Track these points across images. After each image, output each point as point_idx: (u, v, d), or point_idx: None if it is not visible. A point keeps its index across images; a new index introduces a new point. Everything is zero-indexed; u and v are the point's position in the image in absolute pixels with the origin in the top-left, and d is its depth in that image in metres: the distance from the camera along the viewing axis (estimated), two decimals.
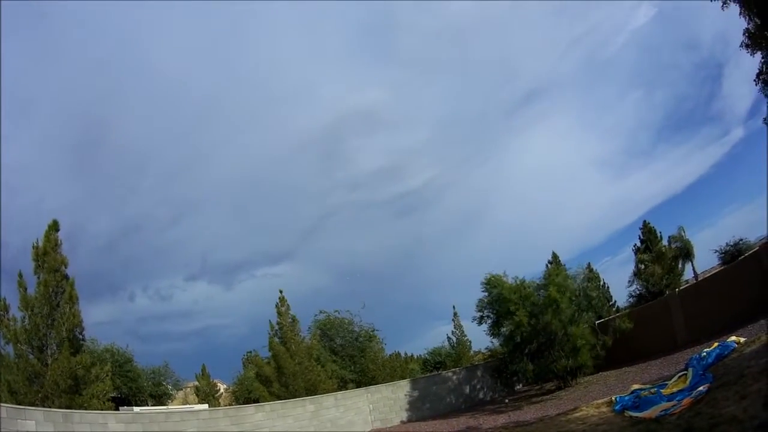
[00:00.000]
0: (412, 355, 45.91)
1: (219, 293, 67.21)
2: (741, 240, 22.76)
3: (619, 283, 32.38)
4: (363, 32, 78.42)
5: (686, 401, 12.08)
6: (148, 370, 33.43)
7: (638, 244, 33.58)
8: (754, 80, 15.31)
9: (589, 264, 32.27)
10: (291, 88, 77.41)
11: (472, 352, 40.57)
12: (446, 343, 41.13)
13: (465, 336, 40.48)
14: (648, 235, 32.99)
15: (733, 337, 16.09)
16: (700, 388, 12.45)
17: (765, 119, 15.66)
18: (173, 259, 73.03)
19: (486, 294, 25.60)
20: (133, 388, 31.11)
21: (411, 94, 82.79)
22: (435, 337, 73.85)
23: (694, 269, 30.81)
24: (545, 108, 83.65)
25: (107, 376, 21.05)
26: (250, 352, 35.52)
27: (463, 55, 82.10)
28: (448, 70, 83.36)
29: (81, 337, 21.05)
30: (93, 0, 63.00)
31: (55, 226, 20.97)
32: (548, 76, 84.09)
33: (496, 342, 27.27)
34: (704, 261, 31.19)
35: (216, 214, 75.00)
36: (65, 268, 20.69)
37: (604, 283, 33.52)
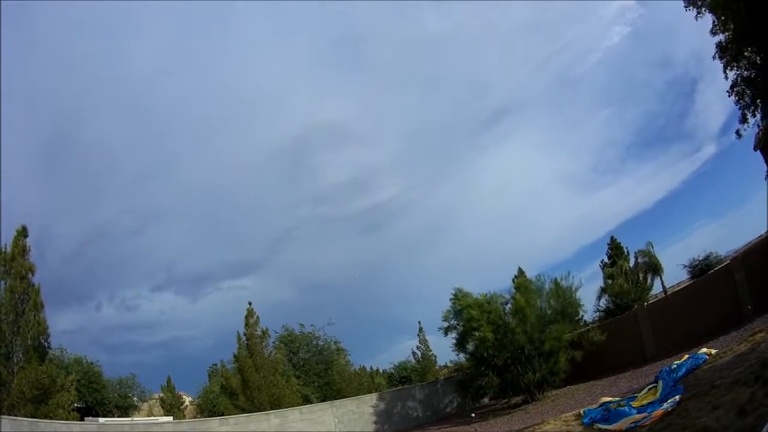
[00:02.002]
0: (377, 370, 45.01)
1: (184, 305, 65.45)
2: (711, 254, 22.76)
3: (587, 298, 32.12)
4: (334, 43, 78.61)
5: (657, 413, 11.50)
6: (114, 381, 32.40)
7: (605, 259, 33.61)
8: (728, 92, 15.29)
9: (557, 277, 32.71)
10: (261, 97, 76.82)
11: (437, 366, 39.99)
12: (411, 358, 40.41)
13: (430, 351, 40.26)
14: (615, 251, 33.11)
15: (704, 350, 15.73)
16: (671, 400, 11.90)
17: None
18: (139, 269, 70.92)
19: (453, 307, 24.97)
20: (98, 398, 30.16)
21: (380, 108, 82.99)
22: (400, 351, 73.25)
23: (662, 284, 30.93)
24: (514, 124, 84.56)
25: (72, 385, 20.69)
26: (216, 364, 34.53)
27: (433, 69, 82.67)
28: (418, 85, 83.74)
29: (47, 344, 20.69)
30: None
31: (23, 232, 20.51)
32: (518, 92, 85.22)
33: (461, 356, 26.59)
34: (673, 275, 31.39)
35: (182, 223, 73.34)
36: (32, 275, 20.34)
37: (573, 295, 33.16)
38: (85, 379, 28.10)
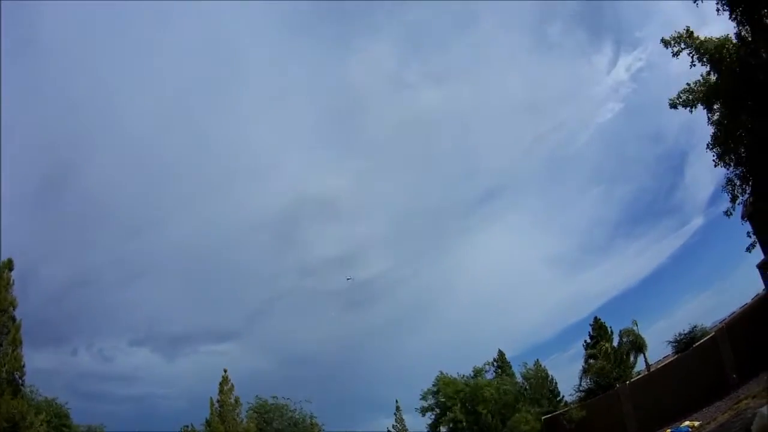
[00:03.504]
0: None
1: (161, 363, 63.10)
2: (696, 327, 21.88)
3: (569, 378, 31.00)
4: (331, 116, 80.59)
5: None
6: (84, 428, 30.09)
7: (588, 339, 32.64)
8: (707, 144, 15.26)
9: (537, 360, 31.88)
10: (255, 164, 77.53)
11: None
12: None
13: (406, 430, 37.55)
14: (598, 331, 32.14)
15: (687, 423, 14.93)
16: None
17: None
18: (120, 321, 68.71)
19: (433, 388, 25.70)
20: None
21: (371, 185, 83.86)
22: (376, 429, 68.82)
23: (646, 360, 29.60)
24: (504, 204, 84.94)
25: (41, 425, 20.23)
26: (187, 426, 32.33)
27: (426, 148, 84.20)
28: (411, 163, 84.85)
29: (21, 381, 19.90)
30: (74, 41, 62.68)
31: (9, 265, 20.11)
32: (509, 172, 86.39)
33: None
34: (658, 351, 30.18)
35: (167, 281, 71.95)
36: (13, 309, 19.82)
37: (553, 378, 32.21)
38: (55, 420, 26.42)
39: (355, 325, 73.28)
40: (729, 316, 21.29)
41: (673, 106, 14.88)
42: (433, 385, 25.64)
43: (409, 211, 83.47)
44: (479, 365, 32.36)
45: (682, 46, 14.07)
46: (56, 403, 27.90)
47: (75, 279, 65.51)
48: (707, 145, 14.93)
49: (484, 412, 23.13)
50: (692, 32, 14.01)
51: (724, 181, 14.83)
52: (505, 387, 27.14)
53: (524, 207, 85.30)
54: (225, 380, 26.45)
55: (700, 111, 14.99)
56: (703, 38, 13.95)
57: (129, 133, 68.59)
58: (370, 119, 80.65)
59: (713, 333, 19.98)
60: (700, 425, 14.19)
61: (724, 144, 14.63)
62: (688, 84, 14.59)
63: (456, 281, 79.99)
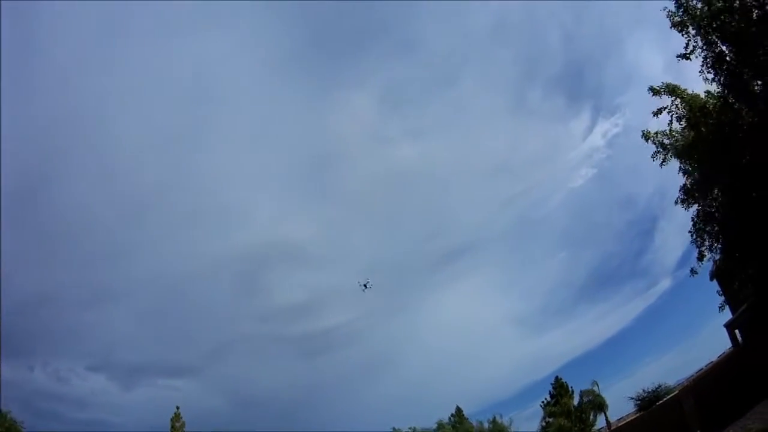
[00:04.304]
0: None
1: (116, 391, 60.62)
2: (660, 386, 21.87)
3: None
4: (307, 164, 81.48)
5: None
6: None
7: (548, 398, 32.60)
8: (677, 199, 15.67)
9: (495, 417, 32.11)
10: (228, 204, 77.22)
11: None
12: None
13: None
14: (559, 389, 32.40)
15: None
16: None
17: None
18: (79, 344, 66.11)
19: None
20: None
21: (340, 235, 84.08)
22: None
23: (606, 419, 29.43)
24: (470, 264, 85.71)
25: None
26: None
27: (399, 202, 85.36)
28: (382, 216, 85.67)
29: None
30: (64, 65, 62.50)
31: None
32: (479, 231, 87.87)
33: None
34: (620, 408, 29.98)
35: (129, 311, 69.63)
36: None
37: None
38: None
39: (312, 373, 71.32)
40: (696, 373, 21.40)
41: (646, 138, 15.41)
42: None
43: (376, 263, 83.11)
44: (441, 419, 32.17)
45: (669, 97, 14.71)
46: (9, 417, 27.09)
47: (41, 295, 63.16)
48: (676, 199, 15.53)
49: None
50: (677, 86, 14.74)
51: (694, 235, 15.22)
52: None
53: (491, 266, 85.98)
54: (177, 417, 26.44)
55: (673, 165, 15.54)
56: (689, 93, 14.64)
57: (109, 159, 68.39)
58: (346, 169, 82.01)
59: (677, 391, 20.01)
60: None
61: (694, 199, 15.11)
62: (669, 129, 15.13)
63: (418, 336, 78.99)
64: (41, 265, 64.28)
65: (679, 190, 15.46)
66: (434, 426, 30.31)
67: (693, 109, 14.46)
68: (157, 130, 73.27)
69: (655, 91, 14.86)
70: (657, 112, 14.81)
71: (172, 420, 26.16)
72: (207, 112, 76.43)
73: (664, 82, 14.88)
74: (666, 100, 14.72)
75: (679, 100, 14.64)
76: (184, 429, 26.37)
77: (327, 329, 77.30)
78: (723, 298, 16.62)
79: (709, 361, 20.75)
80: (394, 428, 27.56)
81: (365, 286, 37.12)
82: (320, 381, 70.03)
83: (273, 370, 70.24)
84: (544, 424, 30.59)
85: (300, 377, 70.62)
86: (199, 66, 74.87)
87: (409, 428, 27.40)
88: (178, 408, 26.52)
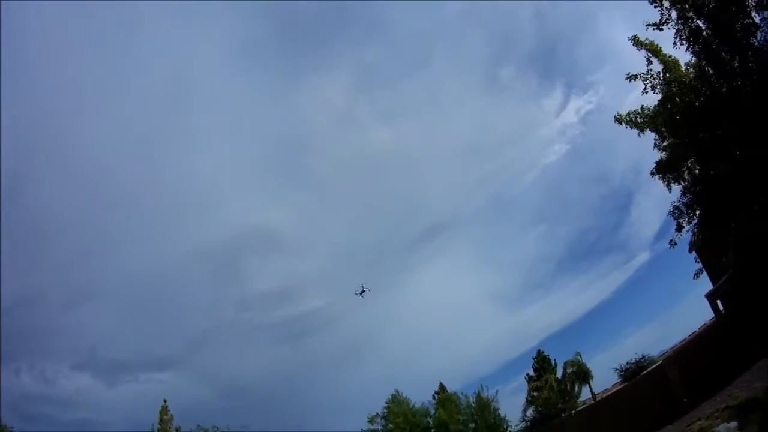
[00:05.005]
0: None
1: (102, 389, 59.79)
2: (644, 356, 22.35)
3: (512, 410, 30.90)
4: (278, 150, 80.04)
5: None
6: None
7: (531, 372, 32.76)
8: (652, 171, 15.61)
9: (479, 390, 31.77)
10: (202, 195, 75.79)
11: None
12: None
13: None
14: (541, 363, 32.43)
15: None
16: None
17: None
18: (62, 344, 64.87)
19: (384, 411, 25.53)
20: None
21: (314, 219, 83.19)
22: None
23: (591, 390, 29.97)
24: (446, 242, 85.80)
25: None
26: None
27: (372, 184, 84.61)
28: (356, 199, 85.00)
29: None
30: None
31: None
32: (453, 211, 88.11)
33: None
34: (604, 380, 30.58)
35: (110, 307, 68.74)
36: None
37: (497, 409, 31.84)
38: None
39: (295, 358, 71.29)
40: (678, 343, 21.87)
41: (619, 121, 15.33)
42: (385, 407, 25.51)
43: (352, 246, 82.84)
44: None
45: (647, 53, 14.45)
46: (2, 424, 26.76)
47: (19, 298, 61.74)
48: (652, 171, 15.46)
49: None
50: (659, 47, 14.52)
51: (671, 209, 15.30)
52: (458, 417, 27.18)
53: (468, 245, 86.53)
54: (164, 410, 26.27)
55: (648, 139, 15.57)
56: (669, 56, 14.42)
57: (82, 155, 66.27)
58: (318, 155, 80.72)
59: (661, 361, 20.42)
60: None
61: (669, 171, 15.15)
62: (641, 107, 15.06)
63: (398, 315, 79.45)
64: (17, 268, 62.76)
65: (655, 163, 15.54)
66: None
67: (669, 79, 14.34)
68: (125, 128, 71.41)
69: (637, 42, 14.50)
70: (632, 77, 14.58)
71: (160, 413, 26.09)
72: (175, 108, 74.39)
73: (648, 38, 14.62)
74: (639, 82, 14.56)
75: (656, 63, 14.41)
76: (172, 422, 26.24)
77: (306, 313, 77.34)
78: (699, 265, 16.59)
79: (691, 332, 21.27)
80: (396, 391, 26.82)
81: (362, 292, 36.38)
82: (303, 365, 70.38)
83: (256, 356, 70.24)
84: (529, 398, 30.81)
85: (283, 362, 70.76)
86: (168, 55, 72.64)
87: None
88: (165, 401, 26.46)
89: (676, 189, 15.37)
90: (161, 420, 25.81)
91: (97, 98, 69.17)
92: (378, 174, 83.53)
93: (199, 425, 30.49)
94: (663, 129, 15.01)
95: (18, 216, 63.33)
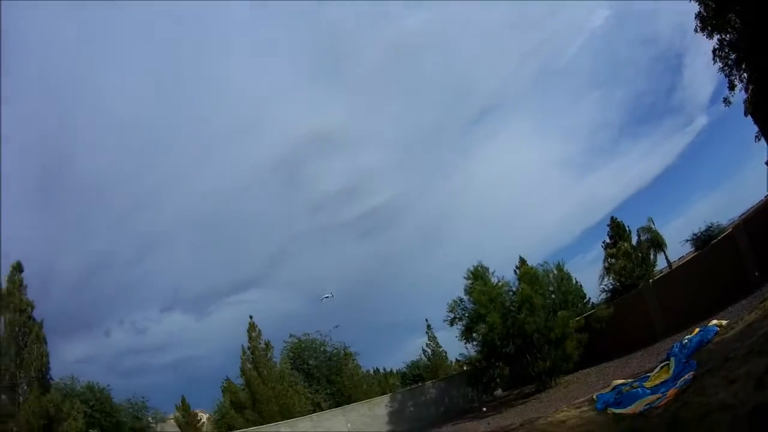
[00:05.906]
0: (391, 370, 44.56)
1: (192, 323, 65.30)
2: (712, 225, 22.34)
3: (592, 280, 32.09)
4: (314, 54, 77.72)
5: (671, 392, 11.10)
6: (127, 405, 31.92)
7: (607, 240, 33.23)
8: (713, 59, 14.94)
9: (558, 263, 32.65)
10: (246, 118, 76.23)
11: (449, 362, 39.59)
12: (423, 356, 39.94)
13: (440, 347, 39.64)
14: (616, 230, 32.60)
15: (714, 321, 15.30)
16: (685, 377, 11.48)
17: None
18: (145, 293, 71.36)
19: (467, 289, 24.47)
20: (113, 422, 28.98)
21: (366, 116, 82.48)
22: (412, 350, 72.63)
23: (667, 259, 30.56)
24: (502, 119, 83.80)
25: (79, 413, 21.11)
26: (227, 379, 34.28)
27: (414, 74, 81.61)
28: (402, 89, 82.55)
29: (49, 377, 21.50)
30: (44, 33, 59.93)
31: (18, 267, 21.03)
32: (503, 89, 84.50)
33: (470, 349, 26.17)
34: (677, 250, 30.96)
35: (181, 247, 73.11)
36: (31, 310, 20.90)
37: (577, 281, 33.04)
38: (98, 404, 27.81)
39: (372, 254, 75.45)
40: (746, 211, 21.50)
41: None
42: (468, 278, 24.66)
43: (409, 134, 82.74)
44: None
45: None
46: (96, 388, 29.13)
47: (91, 266, 66.64)
48: (695, 27, 14.54)
49: (522, 316, 22.46)
50: None
51: (719, 63, 14.52)
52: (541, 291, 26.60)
53: (523, 118, 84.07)
54: (252, 327, 27.15)
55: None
56: None
57: (113, 112, 67.26)
58: (353, 55, 77.92)
59: (730, 230, 20.35)
60: (728, 324, 14.60)
61: (713, 27, 14.23)
62: None
63: (467, 195, 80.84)
64: (82, 238, 66.48)
65: (695, 18, 14.63)
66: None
67: None
68: (156, 67, 71.72)
69: None
70: None
71: (248, 331, 27.01)
72: (203, 36, 73.60)
73: None
74: None
75: None
76: (261, 338, 27.12)
77: (376, 208, 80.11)
78: (756, 128, 16.06)
79: (759, 199, 20.78)
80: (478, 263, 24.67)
81: (326, 297, 38.03)
82: (381, 260, 74.28)
83: (335, 258, 74.10)
84: (606, 265, 31.48)
85: (361, 260, 74.73)
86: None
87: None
88: (251, 317, 27.39)
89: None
90: (250, 338, 26.89)
91: (118, 48, 70.05)
92: (418, 63, 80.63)
93: (291, 335, 33.69)
94: None
95: (68, 192, 66.67)
